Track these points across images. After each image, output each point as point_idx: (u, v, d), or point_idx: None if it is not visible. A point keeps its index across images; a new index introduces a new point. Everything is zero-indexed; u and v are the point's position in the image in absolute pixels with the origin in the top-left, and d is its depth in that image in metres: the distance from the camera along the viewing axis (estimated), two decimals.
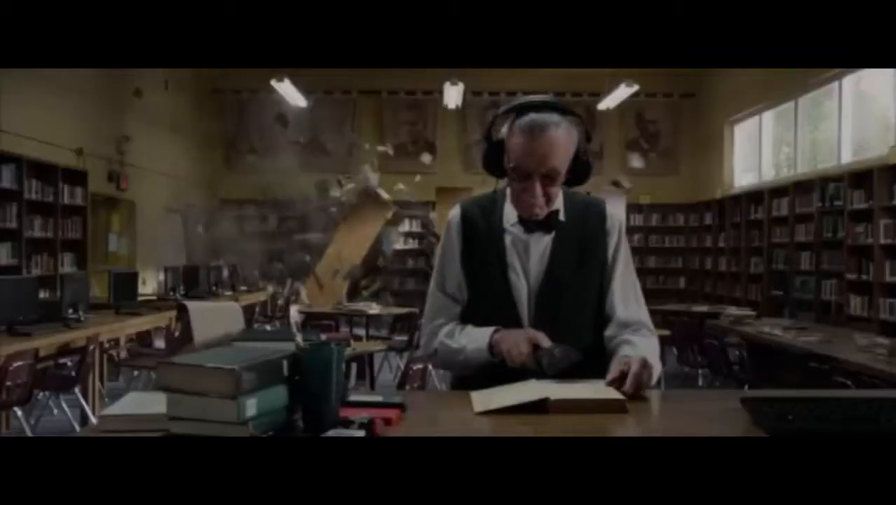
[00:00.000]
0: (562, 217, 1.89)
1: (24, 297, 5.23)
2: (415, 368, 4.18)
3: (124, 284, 6.86)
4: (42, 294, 7.37)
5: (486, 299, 1.90)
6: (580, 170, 1.86)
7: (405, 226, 13.25)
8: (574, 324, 1.88)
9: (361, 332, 7.75)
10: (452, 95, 11.61)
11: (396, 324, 7.87)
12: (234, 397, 1.14)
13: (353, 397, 1.47)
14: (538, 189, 1.80)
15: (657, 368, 1.74)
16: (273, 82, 10.13)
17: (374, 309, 7.97)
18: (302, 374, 1.27)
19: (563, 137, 1.78)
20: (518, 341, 1.74)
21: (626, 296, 1.93)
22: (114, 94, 10.04)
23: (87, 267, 8.58)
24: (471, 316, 1.93)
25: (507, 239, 1.89)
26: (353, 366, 5.08)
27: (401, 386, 4.24)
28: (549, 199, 1.83)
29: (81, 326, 5.39)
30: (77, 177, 8.73)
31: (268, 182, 12.40)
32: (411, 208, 12.68)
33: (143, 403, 1.34)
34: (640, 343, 1.82)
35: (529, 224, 1.87)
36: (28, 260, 7.68)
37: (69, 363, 5.46)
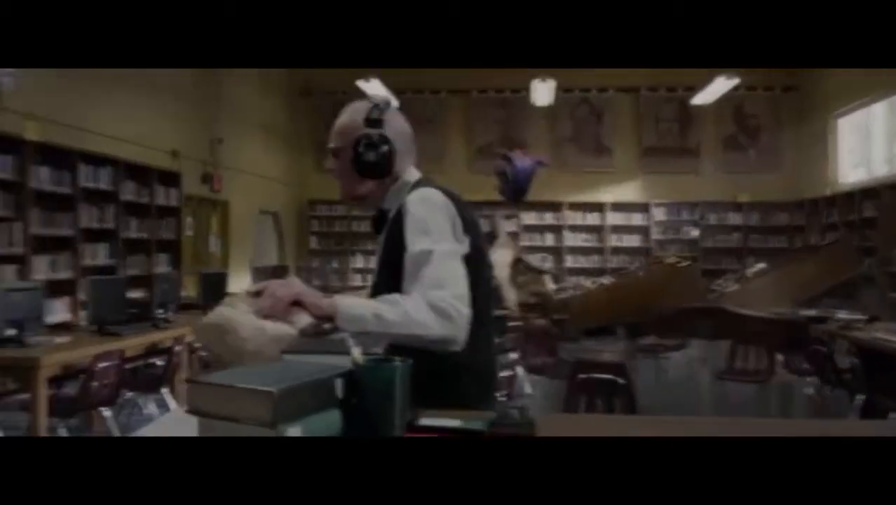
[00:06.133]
0: (392, 214, 1.80)
1: (114, 297, 5.29)
2: (502, 374, 3.97)
3: (214, 285, 6.90)
4: (137, 294, 7.51)
5: None
6: (357, 160, 1.76)
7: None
8: None
9: None
10: (541, 93, 11.32)
11: None
12: (273, 425, 0.94)
13: (426, 421, 1.25)
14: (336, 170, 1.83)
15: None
16: (360, 83, 10.05)
17: None
18: (359, 396, 1.07)
19: (344, 121, 1.82)
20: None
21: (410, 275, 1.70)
22: (206, 95, 10.20)
23: (180, 267, 8.72)
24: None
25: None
26: None
27: None
28: (346, 184, 1.82)
29: (169, 326, 5.41)
30: (171, 178, 8.89)
31: None
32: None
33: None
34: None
35: (377, 224, 1.85)
36: (124, 260, 7.84)
37: (158, 363, 5.49)
